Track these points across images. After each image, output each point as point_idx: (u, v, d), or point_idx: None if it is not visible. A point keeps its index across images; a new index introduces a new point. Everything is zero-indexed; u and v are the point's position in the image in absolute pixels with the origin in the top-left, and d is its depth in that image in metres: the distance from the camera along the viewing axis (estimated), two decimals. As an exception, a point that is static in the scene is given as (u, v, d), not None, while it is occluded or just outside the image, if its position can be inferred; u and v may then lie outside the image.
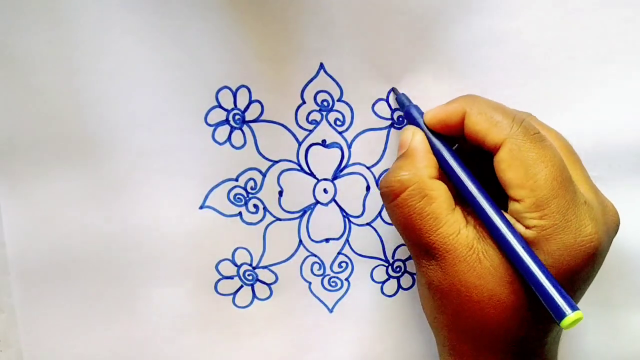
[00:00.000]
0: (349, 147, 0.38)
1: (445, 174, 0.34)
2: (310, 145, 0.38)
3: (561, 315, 0.29)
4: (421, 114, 0.35)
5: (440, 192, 0.33)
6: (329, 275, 0.40)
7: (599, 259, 0.32)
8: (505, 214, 0.32)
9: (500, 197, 0.33)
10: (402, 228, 0.33)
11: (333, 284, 0.40)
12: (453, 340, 0.34)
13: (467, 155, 0.35)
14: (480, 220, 0.32)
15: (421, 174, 0.33)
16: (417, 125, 0.35)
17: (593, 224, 0.31)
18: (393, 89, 0.37)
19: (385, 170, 0.39)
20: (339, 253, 0.40)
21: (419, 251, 0.33)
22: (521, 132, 0.32)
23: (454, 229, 0.32)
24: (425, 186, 0.33)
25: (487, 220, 0.32)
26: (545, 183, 0.31)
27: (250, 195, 0.38)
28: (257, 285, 0.39)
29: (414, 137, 0.35)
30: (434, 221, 0.32)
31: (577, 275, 0.31)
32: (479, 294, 0.31)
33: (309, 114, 0.37)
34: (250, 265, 0.39)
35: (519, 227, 0.31)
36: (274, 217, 0.38)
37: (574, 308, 0.29)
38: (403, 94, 0.37)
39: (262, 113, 0.37)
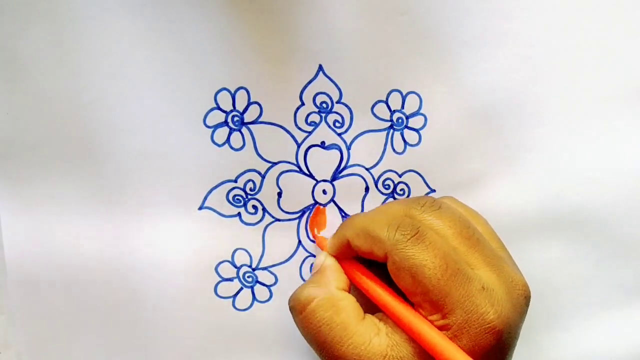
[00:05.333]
0: (348, 148, 0.38)
1: (358, 288, 0.35)
2: (310, 147, 0.38)
3: None
4: None
5: (348, 302, 0.33)
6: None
7: (508, 337, 0.32)
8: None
9: None
10: (313, 341, 0.33)
11: (333, 286, 0.40)
12: None
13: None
14: (400, 327, 0.32)
15: (329, 286, 0.34)
16: None
17: (494, 309, 0.31)
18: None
19: (385, 172, 0.39)
20: (338, 254, 0.39)
21: None
22: (398, 241, 0.31)
23: (364, 338, 0.32)
24: (333, 297, 0.33)
25: (406, 326, 0.32)
26: (432, 285, 0.31)
27: (249, 197, 0.38)
28: (257, 287, 0.39)
29: (326, 259, 0.36)
30: (344, 332, 0.32)
31: (491, 358, 0.31)
32: None
33: (308, 115, 0.38)
34: (250, 266, 0.39)
35: None
36: (273, 217, 0.39)
37: None
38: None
39: (260, 114, 0.37)
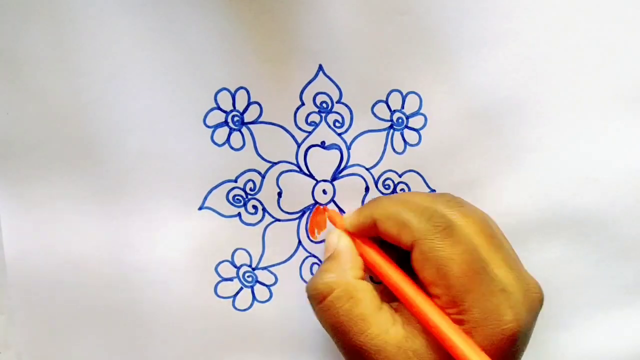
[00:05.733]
0: (348, 148, 0.38)
1: (373, 274, 0.35)
2: (310, 147, 0.38)
3: None
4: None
5: (366, 293, 0.33)
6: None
7: (522, 340, 0.32)
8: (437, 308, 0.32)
9: None
10: (331, 330, 0.33)
11: (333, 286, 0.40)
12: None
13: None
14: (414, 317, 0.33)
15: (347, 275, 0.34)
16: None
17: (512, 312, 0.31)
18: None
19: (385, 172, 0.39)
20: (338, 254, 0.39)
21: (350, 353, 0.33)
22: (429, 231, 0.32)
23: (381, 329, 0.32)
24: (352, 288, 0.33)
25: (421, 316, 0.32)
26: (457, 280, 0.31)
27: (249, 197, 0.38)
28: (257, 287, 0.39)
29: (340, 240, 0.36)
30: (362, 323, 0.32)
31: (503, 359, 0.32)
32: None
33: (308, 115, 0.38)
34: (250, 266, 0.39)
35: None
36: (273, 217, 0.39)
37: None
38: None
39: (260, 114, 0.37)
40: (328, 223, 0.39)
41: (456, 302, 0.31)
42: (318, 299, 0.34)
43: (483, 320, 0.31)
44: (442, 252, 0.32)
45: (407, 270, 0.34)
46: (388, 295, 0.35)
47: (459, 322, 0.31)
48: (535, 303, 0.33)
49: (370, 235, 0.35)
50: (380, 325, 0.32)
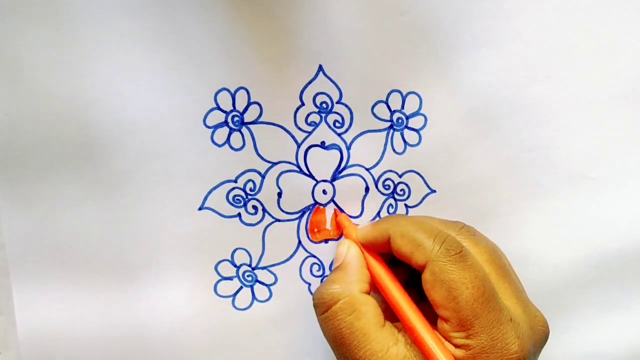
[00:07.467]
0: (348, 148, 0.38)
1: (378, 289, 0.35)
2: (310, 147, 0.38)
3: None
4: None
5: (370, 307, 0.33)
6: (328, 276, 0.40)
7: None
8: (436, 332, 0.32)
9: None
10: (332, 341, 0.34)
11: (333, 285, 0.40)
12: None
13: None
14: (411, 339, 0.33)
15: (352, 288, 0.34)
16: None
17: (518, 342, 0.31)
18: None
19: (385, 172, 0.39)
20: (338, 254, 0.40)
21: None
22: (442, 254, 0.32)
23: (382, 346, 0.32)
24: (356, 301, 0.33)
25: (417, 339, 0.32)
26: (467, 304, 0.31)
27: (249, 197, 0.38)
28: (257, 286, 0.39)
29: (349, 251, 0.36)
30: (363, 337, 0.32)
31: None
32: None
33: (308, 115, 0.38)
34: (250, 265, 0.39)
35: (449, 346, 0.32)
36: (273, 218, 0.39)
37: None
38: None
39: (260, 115, 0.37)
40: (328, 224, 0.39)
41: (464, 325, 0.31)
42: (322, 309, 0.34)
43: (490, 347, 0.31)
44: (453, 274, 0.32)
45: (417, 293, 0.34)
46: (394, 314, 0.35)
47: (464, 347, 0.31)
48: (540, 336, 0.33)
49: (382, 250, 0.35)
50: (381, 342, 0.32)
